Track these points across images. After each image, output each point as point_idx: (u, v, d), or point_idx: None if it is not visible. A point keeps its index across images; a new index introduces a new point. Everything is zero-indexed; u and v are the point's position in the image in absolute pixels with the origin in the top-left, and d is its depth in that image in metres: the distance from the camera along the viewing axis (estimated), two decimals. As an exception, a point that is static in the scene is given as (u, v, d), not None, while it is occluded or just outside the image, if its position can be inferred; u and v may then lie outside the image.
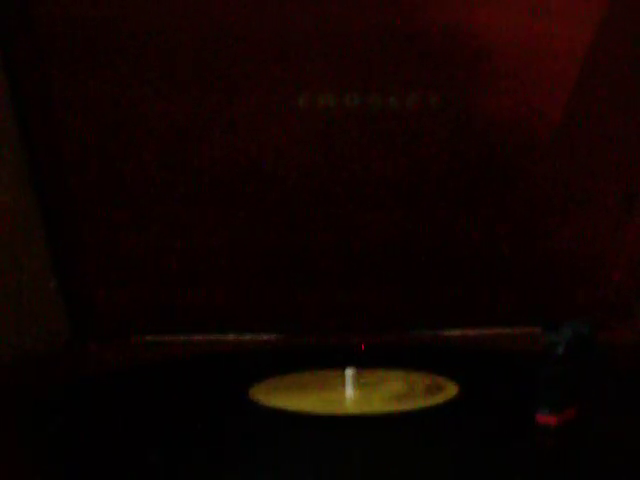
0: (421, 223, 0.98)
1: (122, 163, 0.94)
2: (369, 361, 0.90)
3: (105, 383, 0.91)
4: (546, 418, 0.70)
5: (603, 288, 1.01)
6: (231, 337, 1.01)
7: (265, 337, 1.02)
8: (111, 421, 0.78)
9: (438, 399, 0.79)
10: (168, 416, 0.79)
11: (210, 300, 1.00)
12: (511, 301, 1.02)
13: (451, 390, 0.82)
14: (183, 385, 0.89)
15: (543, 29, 0.90)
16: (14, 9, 0.88)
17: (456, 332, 1.02)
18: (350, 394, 0.83)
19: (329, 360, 0.91)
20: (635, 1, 0.90)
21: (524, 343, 0.99)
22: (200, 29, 0.89)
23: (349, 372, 0.84)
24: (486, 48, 0.90)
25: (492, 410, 0.77)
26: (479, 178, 0.96)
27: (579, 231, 0.99)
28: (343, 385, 0.84)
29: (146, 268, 0.99)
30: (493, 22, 0.90)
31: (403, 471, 0.65)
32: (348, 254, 0.99)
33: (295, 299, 1.01)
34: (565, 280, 1.01)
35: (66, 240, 0.97)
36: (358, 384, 0.84)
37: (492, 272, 1.00)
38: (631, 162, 0.96)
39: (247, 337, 1.02)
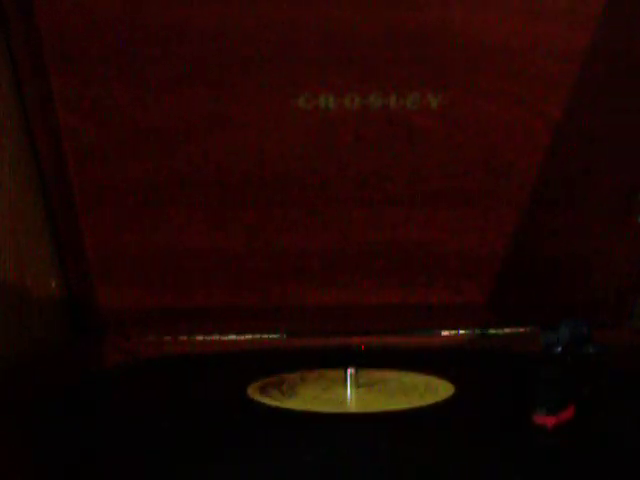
0: (420, 223, 0.98)
1: (122, 163, 0.94)
2: (369, 361, 0.90)
3: (105, 383, 0.92)
4: (543, 419, 0.70)
5: (602, 288, 1.01)
6: (231, 337, 1.02)
7: (265, 337, 1.02)
8: (111, 420, 0.78)
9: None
10: (167, 415, 0.79)
11: (210, 300, 1.00)
12: (510, 301, 1.02)
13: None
14: (183, 384, 0.89)
15: (543, 29, 0.90)
16: (15, 9, 0.88)
17: (454, 332, 1.02)
18: (350, 394, 0.83)
19: (329, 360, 0.91)
20: (635, 1, 0.90)
21: (522, 343, 0.99)
22: (200, 29, 0.89)
23: (349, 372, 0.84)
24: (485, 48, 0.90)
25: (490, 410, 0.77)
26: (478, 178, 0.96)
27: (579, 231, 0.99)
28: (343, 385, 0.84)
29: (146, 268, 0.99)
30: (493, 23, 0.90)
31: (401, 469, 0.65)
32: (348, 254, 0.99)
33: (295, 299, 1.01)
34: (564, 280, 1.01)
35: (67, 240, 0.97)
36: (358, 384, 0.84)
37: (491, 272, 1.01)
38: (631, 161, 0.96)
39: (247, 337, 1.02)
